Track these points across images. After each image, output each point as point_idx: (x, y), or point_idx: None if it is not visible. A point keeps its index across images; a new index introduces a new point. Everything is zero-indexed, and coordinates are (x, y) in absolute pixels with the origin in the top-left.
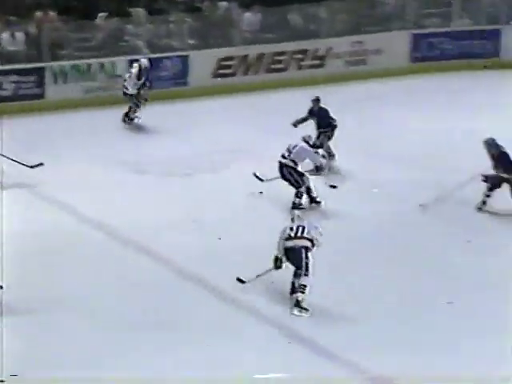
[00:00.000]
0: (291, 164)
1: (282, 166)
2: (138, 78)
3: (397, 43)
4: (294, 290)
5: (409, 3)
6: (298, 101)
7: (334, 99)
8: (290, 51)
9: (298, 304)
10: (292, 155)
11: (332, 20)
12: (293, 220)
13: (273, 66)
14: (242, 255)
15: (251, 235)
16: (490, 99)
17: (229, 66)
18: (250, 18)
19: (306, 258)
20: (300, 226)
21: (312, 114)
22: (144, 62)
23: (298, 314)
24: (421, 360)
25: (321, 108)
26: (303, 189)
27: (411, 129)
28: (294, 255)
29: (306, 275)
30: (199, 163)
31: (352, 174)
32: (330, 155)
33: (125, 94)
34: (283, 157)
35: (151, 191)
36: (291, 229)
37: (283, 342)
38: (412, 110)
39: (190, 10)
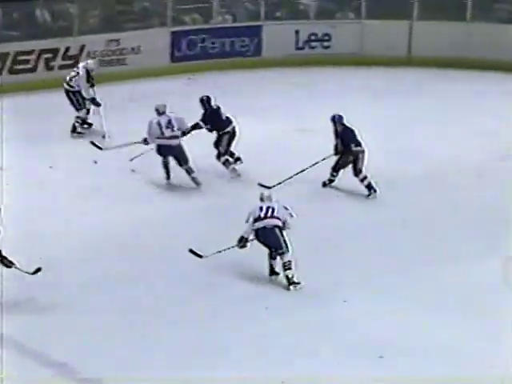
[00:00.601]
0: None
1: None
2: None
3: (156, 41)
4: (273, 271)
5: None
6: (50, 103)
7: None
8: (37, 50)
9: (290, 281)
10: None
11: (84, 16)
12: (262, 200)
13: (18, 67)
14: None
15: None
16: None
17: None
18: None
19: (282, 235)
20: (270, 206)
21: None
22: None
23: (294, 289)
24: None
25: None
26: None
27: None
28: (268, 235)
29: (287, 251)
30: None
31: None
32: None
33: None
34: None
35: None
36: (260, 209)
37: None
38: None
39: None
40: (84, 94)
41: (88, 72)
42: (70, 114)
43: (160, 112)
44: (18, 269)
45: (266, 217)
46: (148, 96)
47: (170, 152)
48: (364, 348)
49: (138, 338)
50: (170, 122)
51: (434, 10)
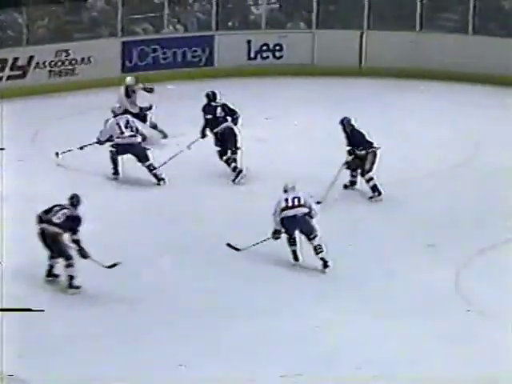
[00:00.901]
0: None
1: None
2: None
3: (107, 51)
4: (297, 257)
5: (117, 8)
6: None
7: (37, 113)
8: None
9: (325, 263)
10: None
11: (32, 26)
12: (286, 191)
13: None
14: None
15: None
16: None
17: None
18: None
19: (311, 221)
20: (295, 196)
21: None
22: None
23: (328, 269)
24: None
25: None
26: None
27: None
28: (300, 222)
29: (317, 236)
30: None
31: None
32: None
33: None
34: None
35: None
36: (286, 200)
37: None
38: None
39: None
40: (131, 110)
41: (127, 88)
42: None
43: (116, 114)
44: (95, 261)
45: (293, 206)
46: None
47: (130, 150)
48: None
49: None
50: (128, 122)
51: (385, 19)
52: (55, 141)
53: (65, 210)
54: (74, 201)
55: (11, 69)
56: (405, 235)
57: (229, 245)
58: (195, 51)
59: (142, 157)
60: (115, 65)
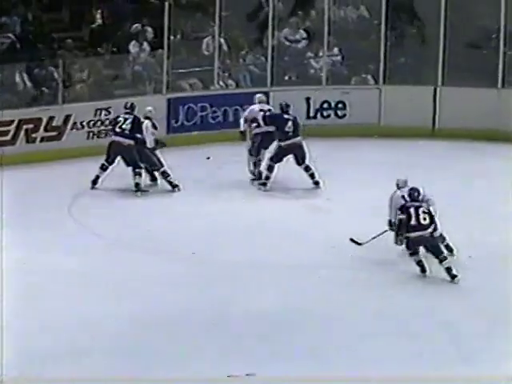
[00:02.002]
0: None
1: None
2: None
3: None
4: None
5: (162, 61)
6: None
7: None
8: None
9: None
10: None
11: (69, 81)
12: (398, 187)
13: None
14: None
15: None
16: None
17: None
18: None
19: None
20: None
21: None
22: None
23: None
24: None
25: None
26: None
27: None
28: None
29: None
30: None
31: None
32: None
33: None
34: None
35: None
36: (403, 197)
37: None
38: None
39: None
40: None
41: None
42: (53, 192)
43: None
44: None
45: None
46: None
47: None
48: None
49: None
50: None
51: (461, 74)
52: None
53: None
54: None
55: (46, 129)
56: None
57: (351, 239)
58: None
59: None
60: (160, 125)
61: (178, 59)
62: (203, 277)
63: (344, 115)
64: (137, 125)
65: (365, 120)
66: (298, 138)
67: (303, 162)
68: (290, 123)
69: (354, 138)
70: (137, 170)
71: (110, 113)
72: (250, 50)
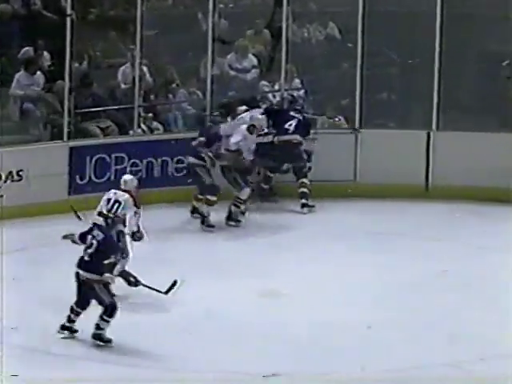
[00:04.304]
0: None
1: None
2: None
3: None
4: None
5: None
6: None
7: None
8: None
9: None
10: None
11: None
12: None
13: None
14: None
15: None
16: None
17: None
18: None
19: None
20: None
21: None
22: None
23: None
24: None
25: None
26: None
27: None
28: None
29: None
30: None
31: None
32: None
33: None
34: None
35: None
36: None
37: None
38: None
39: None
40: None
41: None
42: None
43: None
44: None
45: None
46: None
47: None
48: None
49: None
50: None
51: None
52: None
53: None
54: None
55: None
56: None
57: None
58: None
59: None
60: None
61: (85, 94)
62: None
63: (309, 169)
64: None
65: (336, 176)
66: (297, 136)
67: (299, 170)
68: (293, 122)
69: (323, 199)
70: None
71: None
72: (182, 83)
